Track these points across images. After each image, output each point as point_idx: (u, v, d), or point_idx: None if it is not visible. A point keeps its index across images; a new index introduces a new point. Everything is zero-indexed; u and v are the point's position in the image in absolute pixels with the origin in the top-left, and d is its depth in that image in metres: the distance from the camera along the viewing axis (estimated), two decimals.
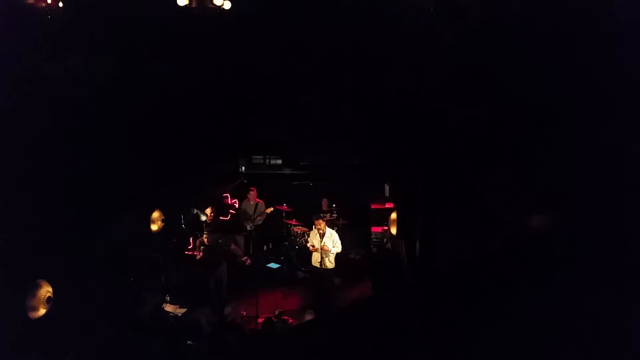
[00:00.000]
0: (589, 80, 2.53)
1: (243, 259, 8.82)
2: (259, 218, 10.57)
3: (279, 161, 11.26)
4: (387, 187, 10.81)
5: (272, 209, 10.65)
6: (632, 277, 2.11)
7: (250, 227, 10.45)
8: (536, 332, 2.42)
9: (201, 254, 8.32)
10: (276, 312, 8.33)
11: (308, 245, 8.69)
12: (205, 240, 8.24)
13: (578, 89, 2.64)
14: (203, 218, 8.59)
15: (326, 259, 8.38)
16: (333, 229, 9.04)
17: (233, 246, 8.99)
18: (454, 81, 4.81)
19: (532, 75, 3.10)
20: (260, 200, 10.66)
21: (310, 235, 8.80)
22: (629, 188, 2.21)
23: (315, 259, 8.50)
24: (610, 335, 2.13)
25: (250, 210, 10.57)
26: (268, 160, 11.29)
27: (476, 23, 4.03)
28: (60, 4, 4.72)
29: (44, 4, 4.53)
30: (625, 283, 2.15)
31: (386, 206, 10.40)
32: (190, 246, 9.22)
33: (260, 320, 7.95)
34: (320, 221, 8.49)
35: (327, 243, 8.37)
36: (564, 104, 2.80)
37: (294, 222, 10.74)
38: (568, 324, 2.35)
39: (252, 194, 10.62)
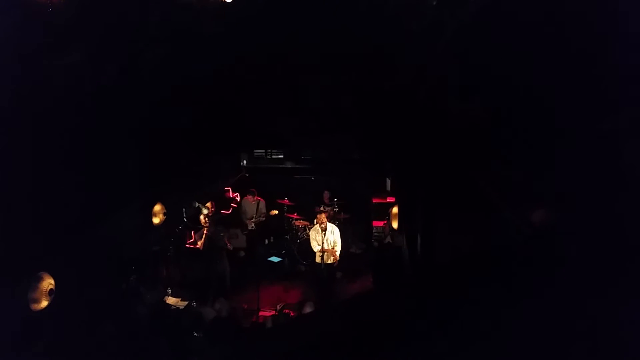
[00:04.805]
0: (590, 78, 2.52)
1: (228, 245, 8.83)
2: (262, 217, 10.56)
3: (281, 155, 11.28)
4: (388, 181, 10.81)
5: (276, 212, 10.63)
6: (632, 276, 2.10)
7: (252, 227, 10.44)
8: (535, 328, 2.42)
9: (203, 246, 8.36)
10: (278, 307, 8.37)
11: (316, 251, 8.62)
12: (206, 233, 8.27)
13: (579, 87, 2.62)
14: (204, 211, 8.61)
15: (331, 255, 8.43)
16: (334, 223, 9.05)
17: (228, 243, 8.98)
18: (456, 76, 4.78)
19: (533, 72, 3.09)
20: (261, 199, 10.64)
21: (312, 232, 8.81)
22: (629, 187, 2.21)
23: (317, 256, 8.52)
24: (609, 334, 2.13)
25: (252, 210, 10.55)
26: (269, 154, 11.29)
27: (477, 19, 4.01)
28: None
29: None
30: (625, 282, 2.15)
31: (387, 200, 10.40)
32: (192, 239, 9.24)
33: (261, 314, 8.00)
34: (323, 215, 8.50)
35: (329, 238, 8.39)
36: (565, 101, 2.79)
37: (295, 216, 10.76)
38: (567, 321, 2.35)
39: (252, 197, 10.58)
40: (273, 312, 8.18)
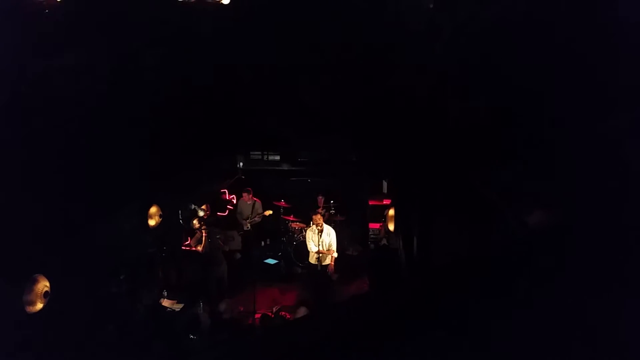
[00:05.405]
0: (589, 78, 2.53)
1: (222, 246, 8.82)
2: (257, 217, 10.55)
3: (277, 157, 11.27)
4: (384, 183, 10.81)
5: (271, 212, 10.62)
6: (632, 276, 2.11)
7: (247, 228, 10.43)
8: (534, 330, 2.43)
9: (200, 249, 8.33)
10: (274, 309, 8.34)
11: (312, 252, 8.59)
12: (204, 235, 8.24)
13: (579, 87, 2.64)
14: (200, 213, 8.59)
15: (327, 257, 8.42)
16: (330, 224, 9.04)
17: (221, 243, 8.95)
18: (454, 77, 4.80)
19: (532, 73, 3.10)
20: (257, 199, 10.63)
21: (308, 232, 8.80)
22: (629, 186, 2.22)
23: (313, 256, 8.51)
24: (609, 334, 2.13)
25: (247, 210, 10.54)
26: (266, 156, 11.28)
27: (476, 19, 4.03)
28: None
29: None
30: (624, 282, 2.15)
31: (384, 202, 10.40)
32: (187, 242, 9.21)
33: (257, 316, 7.97)
34: (319, 216, 8.49)
35: (324, 240, 8.38)
36: (565, 101, 2.80)
37: (291, 218, 10.74)
38: (566, 322, 2.35)
39: (247, 195, 10.59)
40: (269, 315, 8.15)
